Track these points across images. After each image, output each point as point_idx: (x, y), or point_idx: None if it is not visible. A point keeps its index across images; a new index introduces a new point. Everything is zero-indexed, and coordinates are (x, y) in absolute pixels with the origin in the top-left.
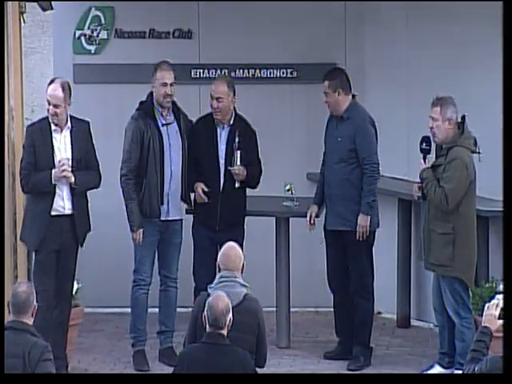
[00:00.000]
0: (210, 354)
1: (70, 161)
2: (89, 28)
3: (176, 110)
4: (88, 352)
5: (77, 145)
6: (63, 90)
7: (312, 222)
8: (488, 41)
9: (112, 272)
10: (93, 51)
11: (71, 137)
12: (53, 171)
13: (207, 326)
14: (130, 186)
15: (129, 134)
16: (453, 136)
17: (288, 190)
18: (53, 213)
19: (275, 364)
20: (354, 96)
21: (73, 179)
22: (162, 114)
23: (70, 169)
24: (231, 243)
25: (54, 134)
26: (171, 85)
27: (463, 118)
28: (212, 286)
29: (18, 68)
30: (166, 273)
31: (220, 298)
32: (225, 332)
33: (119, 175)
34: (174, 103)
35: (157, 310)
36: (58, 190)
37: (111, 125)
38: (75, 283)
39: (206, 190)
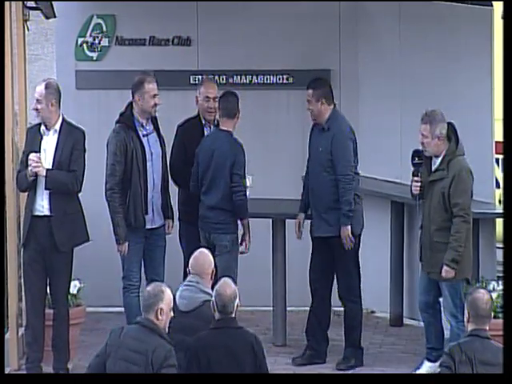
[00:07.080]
0: (222, 337)
1: (51, 161)
2: (91, 35)
3: (154, 120)
4: (90, 350)
5: (61, 148)
6: (46, 87)
7: (300, 229)
8: (479, 51)
9: (113, 271)
10: (94, 58)
11: (58, 140)
12: (28, 168)
13: (216, 312)
14: (116, 200)
15: (111, 147)
16: (448, 148)
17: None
18: (35, 213)
19: (271, 362)
20: (334, 105)
21: (43, 173)
22: (142, 125)
23: (38, 164)
24: (203, 249)
25: (43, 135)
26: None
27: (452, 126)
28: (179, 288)
29: (22, 74)
30: (153, 276)
31: (227, 285)
32: (233, 315)
33: (104, 189)
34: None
35: None
36: (37, 189)
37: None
38: (77, 283)
39: None
